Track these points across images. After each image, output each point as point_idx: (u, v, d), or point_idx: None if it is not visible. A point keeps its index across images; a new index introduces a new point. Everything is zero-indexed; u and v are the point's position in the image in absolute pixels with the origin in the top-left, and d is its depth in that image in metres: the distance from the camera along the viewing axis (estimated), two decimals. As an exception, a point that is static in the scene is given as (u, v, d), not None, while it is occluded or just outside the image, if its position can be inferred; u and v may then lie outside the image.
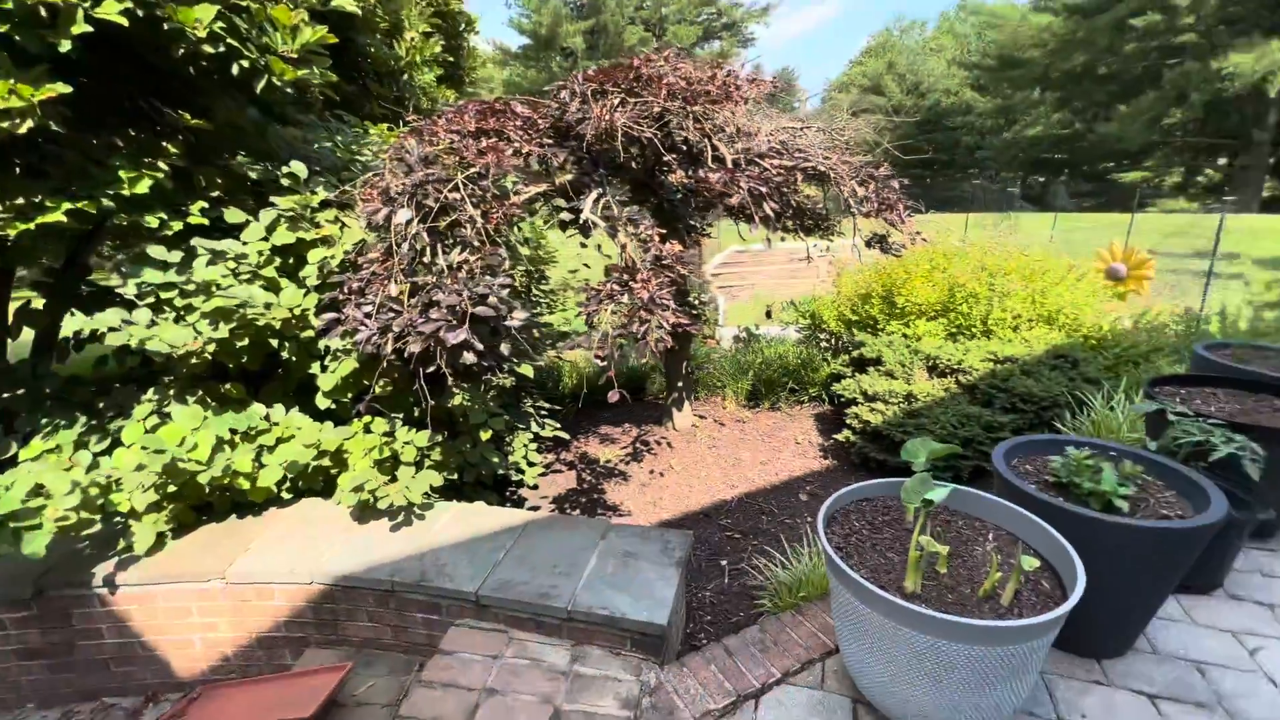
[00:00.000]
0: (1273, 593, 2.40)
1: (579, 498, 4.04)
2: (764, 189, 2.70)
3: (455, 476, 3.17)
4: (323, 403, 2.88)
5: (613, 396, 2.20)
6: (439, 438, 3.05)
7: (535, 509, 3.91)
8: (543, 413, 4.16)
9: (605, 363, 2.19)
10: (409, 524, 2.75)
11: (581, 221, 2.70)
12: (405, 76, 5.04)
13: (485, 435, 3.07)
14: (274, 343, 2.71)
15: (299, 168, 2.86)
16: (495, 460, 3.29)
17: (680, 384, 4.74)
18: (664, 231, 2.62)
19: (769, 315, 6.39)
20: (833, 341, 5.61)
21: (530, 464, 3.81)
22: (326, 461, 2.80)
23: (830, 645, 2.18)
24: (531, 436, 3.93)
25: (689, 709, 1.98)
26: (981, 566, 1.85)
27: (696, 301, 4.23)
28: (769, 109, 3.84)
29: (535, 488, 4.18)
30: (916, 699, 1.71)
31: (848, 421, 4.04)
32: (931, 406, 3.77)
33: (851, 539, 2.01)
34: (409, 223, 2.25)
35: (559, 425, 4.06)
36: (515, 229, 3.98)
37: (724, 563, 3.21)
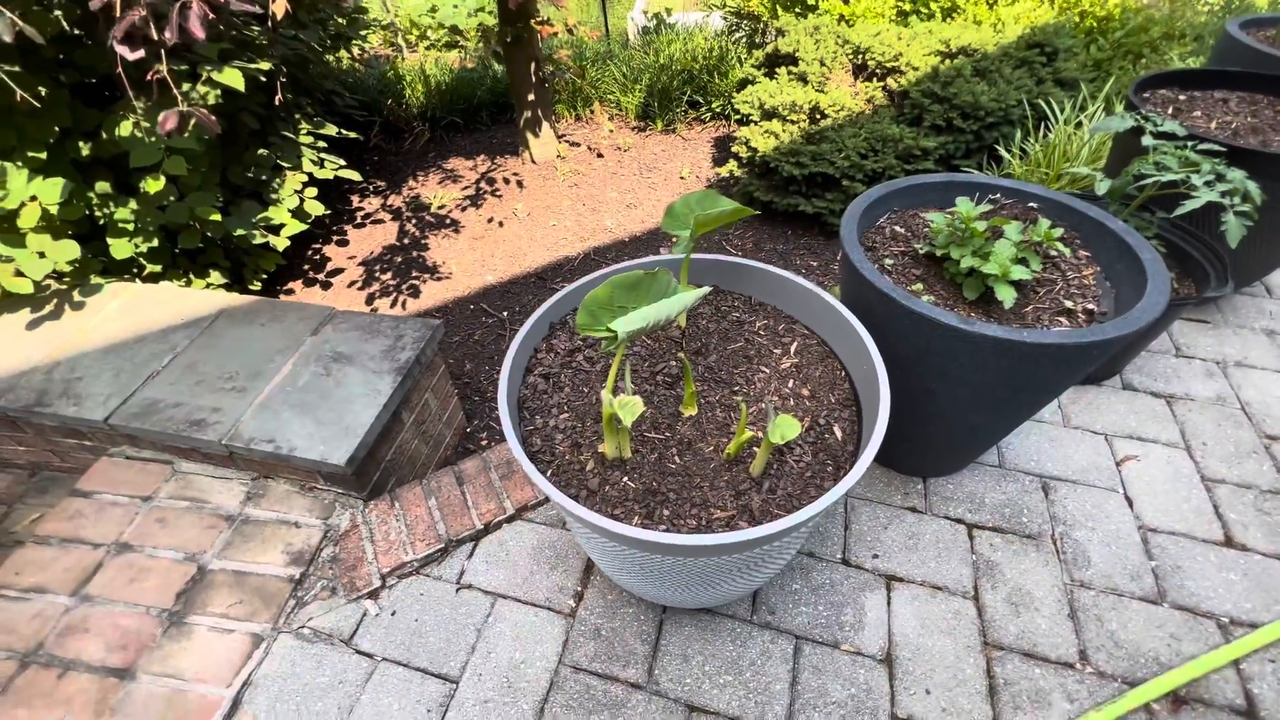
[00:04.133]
0: (1177, 380, 1.86)
1: (393, 258, 3.22)
2: None
3: (153, 244, 2.26)
4: None
5: None
6: (108, 188, 2.08)
7: (333, 275, 3.11)
8: (323, 144, 3.02)
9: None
10: (56, 317, 1.96)
11: None
12: None
13: (153, 186, 2.05)
14: None
15: None
16: (215, 218, 2.34)
17: (531, 96, 3.49)
18: None
19: (681, -8, 4.66)
20: (756, 28, 4.15)
21: (306, 216, 2.84)
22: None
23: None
24: (305, 180, 2.89)
25: (378, 562, 1.52)
26: (761, 399, 1.19)
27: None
28: None
29: (345, 244, 3.32)
30: (644, 589, 1.22)
31: (734, 149, 3.02)
32: (842, 126, 2.74)
33: (577, 356, 1.29)
34: None
35: (342, 163, 2.98)
36: None
37: (541, 340, 2.59)
